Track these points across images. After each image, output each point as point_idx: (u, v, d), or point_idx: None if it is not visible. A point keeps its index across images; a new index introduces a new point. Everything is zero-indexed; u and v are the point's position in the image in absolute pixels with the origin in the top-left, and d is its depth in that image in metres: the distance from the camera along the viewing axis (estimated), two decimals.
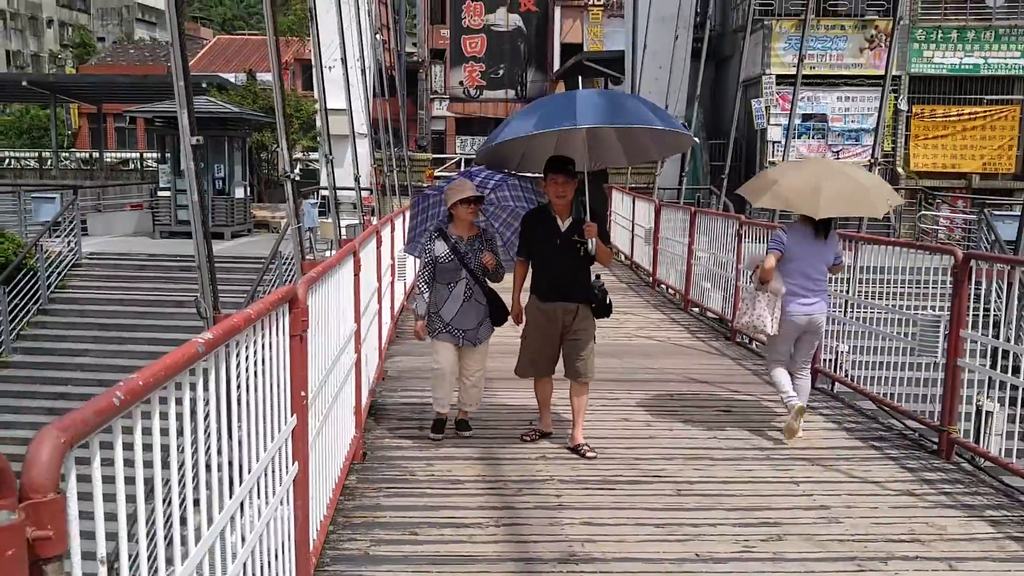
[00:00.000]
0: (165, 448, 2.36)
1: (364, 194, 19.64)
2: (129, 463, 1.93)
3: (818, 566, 4.46)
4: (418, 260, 6.66)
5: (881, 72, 24.74)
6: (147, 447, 2.01)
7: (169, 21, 4.63)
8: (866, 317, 8.03)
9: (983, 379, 6.46)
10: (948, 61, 26.86)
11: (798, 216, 6.88)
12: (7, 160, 44.11)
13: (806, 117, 26.65)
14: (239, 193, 25.64)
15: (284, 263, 19.46)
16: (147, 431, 2.02)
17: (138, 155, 42.71)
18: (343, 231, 13.78)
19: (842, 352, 8.39)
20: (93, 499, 1.76)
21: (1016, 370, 5.99)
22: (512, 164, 6.87)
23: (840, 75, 26.70)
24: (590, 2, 43.70)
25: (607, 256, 6.17)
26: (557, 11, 44.72)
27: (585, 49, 41.02)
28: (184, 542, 2.28)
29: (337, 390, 5.06)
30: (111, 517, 1.82)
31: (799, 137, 26.49)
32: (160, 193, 25.31)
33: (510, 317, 6.50)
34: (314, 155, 37.16)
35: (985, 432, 6.30)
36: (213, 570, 2.52)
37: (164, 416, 2.14)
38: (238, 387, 2.78)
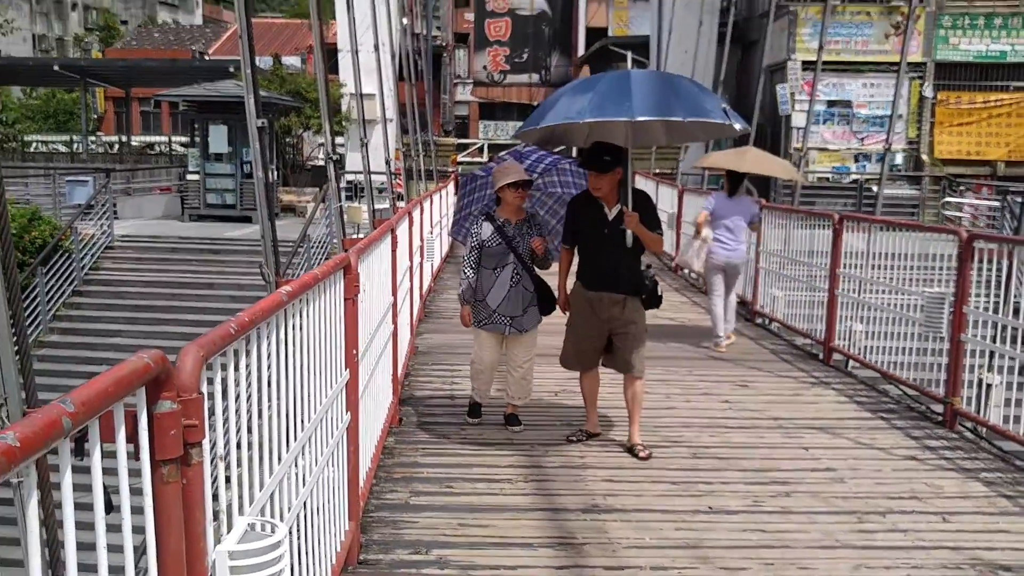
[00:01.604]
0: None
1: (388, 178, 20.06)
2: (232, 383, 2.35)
3: (821, 518, 4.85)
4: (462, 244, 6.45)
5: (908, 58, 24.91)
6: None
7: (238, 13, 5.04)
8: (879, 299, 8.37)
9: (985, 352, 6.81)
10: (974, 48, 26.89)
11: (723, 184, 9.67)
12: (34, 144, 44.73)
13: (831, 103, 26.80)
14: (269, 178, 26.08)
15: (312, 246, 19.91)
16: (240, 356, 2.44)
17: (165, 139, 43.27)
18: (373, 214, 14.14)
19: (856, 331, 8.73)
20: (215, 411, 2.17)
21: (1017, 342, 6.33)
22: (553, 141, 6.57)
23: (866, 61, 26.80)
24: None
25: (655, 243, 5.85)
26: None
27: (610, 33, 41.20)
28: (271, 461, 2.69)
29: (378, 356, 5.48)
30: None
31: (824, 123, 26.65)
32: (189, 177, 25.75)
33: (557, 305, 6.27)
34: (339, 139, 37.61)
35: (986, 403, 6.65)
36: (290, 491, 2.93)
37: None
38: (309, 337, 3.20)
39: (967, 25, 26.78)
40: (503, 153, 9.52)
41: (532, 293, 6.26)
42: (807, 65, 25.70)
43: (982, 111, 27.05)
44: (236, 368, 2.35)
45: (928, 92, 26.94)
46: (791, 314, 10.28)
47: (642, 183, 20.69)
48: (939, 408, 6.89)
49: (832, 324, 8.91)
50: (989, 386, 6.69)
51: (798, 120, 25.80)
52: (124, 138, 39.83)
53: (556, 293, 6.27)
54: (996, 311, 6.78)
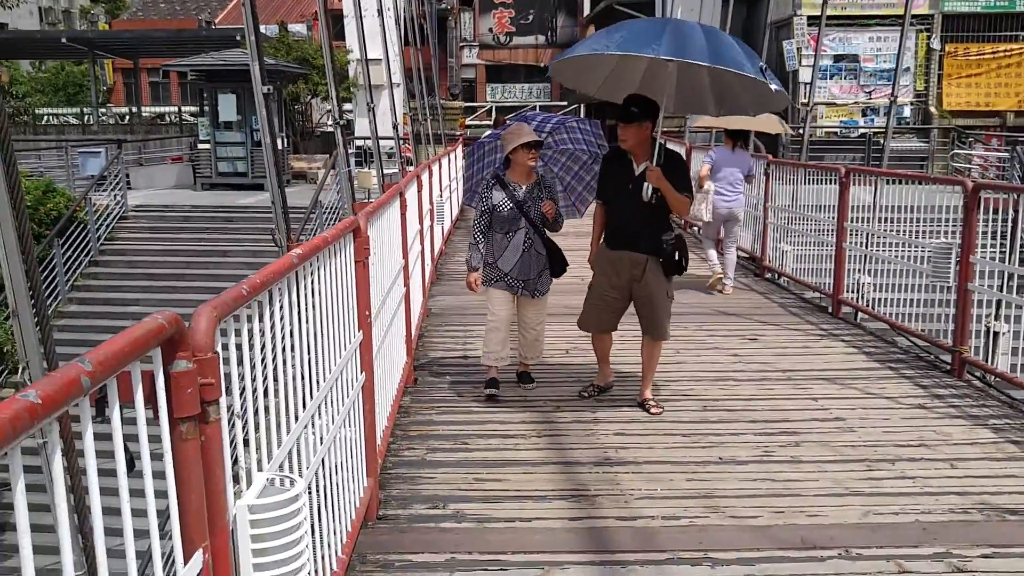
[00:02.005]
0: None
1: (395, 143, 20.10)
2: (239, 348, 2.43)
3: (831, 467, 4.93)
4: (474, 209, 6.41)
5: (915, 11, 24.61)
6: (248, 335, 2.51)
7: None
8: (888, 252, 8.41)
9: (992, 301, 6.85)
10: None
11: (723, 139, 10.57)
12: (45, 117, 44.81)
13: (838, 58, 26.59)
14: (277, 144, 26.09)
15: (324, 212, 19.97)
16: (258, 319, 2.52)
17: (175, 109, 43.28)
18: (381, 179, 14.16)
19: (865, 284, 8.78)
20: (231, 368, 2.25)
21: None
22: (592, 87, 6.45)
23: (872, 15, 26.54)
24: None
25: (680, 203, 5.68)
26: None
27: None
28: (288, 419, 2.78)
29: (391, 317, 5.56)
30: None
31: (831, 78, 26.47)
32: (200, 146, 25.84)
33: (587, 261, 6.15)
34: (347, 105, 37.51)
35: (994, 352, 6.69)
36: (308, 449, 3.02)
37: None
38: (322, 298, 3.27)
39: None
40: (508, 118, 9.59)
41: (544, 256, 6.25)
42: (813, 20, 25.47)
43: (991, 62, 26.79)
44: (250, 329, 2.42)
45: (936, 44, 26.66)
46: (800, 268, 10.31)
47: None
48: (947, 357, 6.94)
49: (840, 277, 8.95)
50: (997, 335, 6.73)
51: (805, 75, 25.63)
52: (134, 109, 39.86)
53: (588, 250, 6.15)
54: (1003, 260, 6.81)
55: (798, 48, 25.84)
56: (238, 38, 30.88)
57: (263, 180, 24.87)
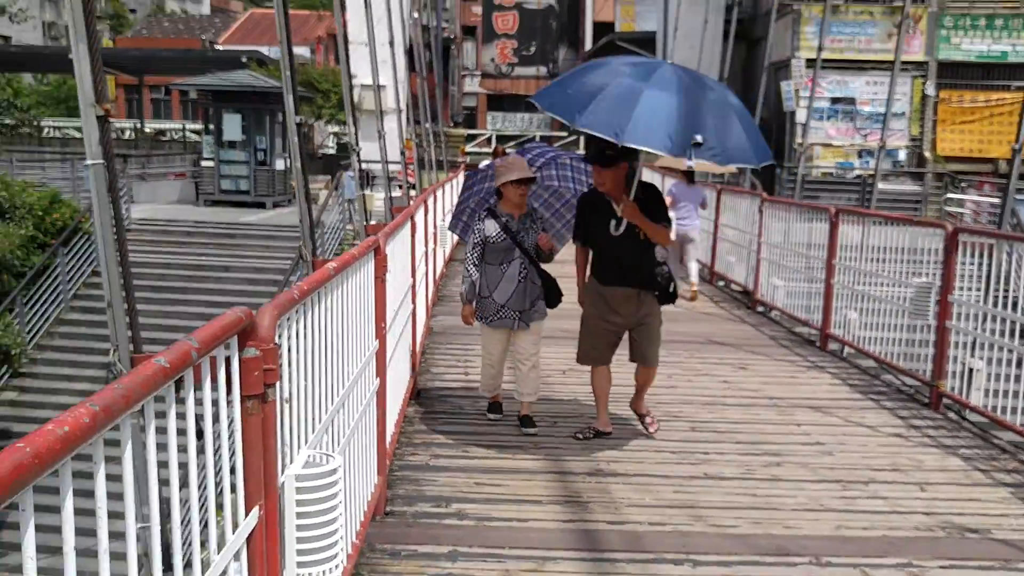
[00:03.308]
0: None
1: (401, 167, 20.48)
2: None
3: (809, 486, 5.27)
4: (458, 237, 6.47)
5: (910, 57, 25.17)
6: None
7: (278, 22, 5.45)
8: (874, 290, 8.77)
9: (969, 339, 7.22)
10: (976, 47, 27.20)
11: (680, 175, 12.89)
12: (46, 129, 45.11)
13: (835, 100, 27.14)
14: (279, 165, 26.49)
15: (325, 232, 20.32)
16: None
17: (179, 125, 43.77)
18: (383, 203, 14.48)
19: (851, 320, 9.13)
20: (282, 361, 2.59)
21: (1002, 332, 6.73)
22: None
23: (869, 60, 27.13)
24: None
25: (658, 234, 5.76)
26: None
27: (617, 28, 41.46)
28: (323, 407, 3.12)
29: (400, 332, 5.90)
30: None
31: (828, 119, 27.00)
32: (204, 163, 26.28)
33: (577, 301, 6.16)
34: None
35: (970, 387, 7.05)
36: (333, 439, 3.35)
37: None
38: (348, 307, 3.62)
39: (968, 25, 27.08)
40: (509, 147, 9.92)
41: (539, 287, 6.23)
42: (811, 63, 26.01)
43: (984, 110, 27.36)
44: (299, 326, 2.77)
45: (930, 90, 27.22)
46: (791, 303, 10.67)
47: (648, 175, 21.03)
48: (926, 391, 7.30)
49: (828, 313, 9.31)
50: (972, 371, 7.09)
51: (802, 116, 26.11)
52: (138, 124, 40.28)
53: (576, 292, 6.17)
54: (982, 301, 7.18)
55: (796, 89, 26.35)
56: (244, 60, 31.38)
57: (265, 199, 25.35)
